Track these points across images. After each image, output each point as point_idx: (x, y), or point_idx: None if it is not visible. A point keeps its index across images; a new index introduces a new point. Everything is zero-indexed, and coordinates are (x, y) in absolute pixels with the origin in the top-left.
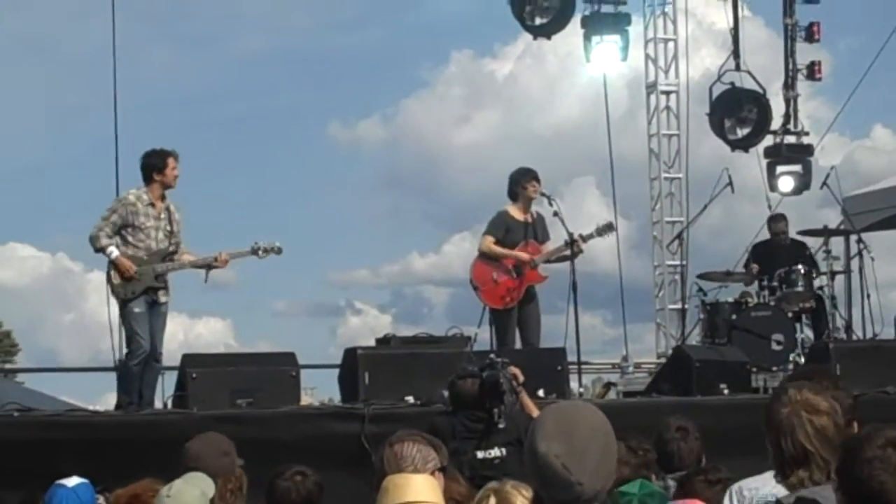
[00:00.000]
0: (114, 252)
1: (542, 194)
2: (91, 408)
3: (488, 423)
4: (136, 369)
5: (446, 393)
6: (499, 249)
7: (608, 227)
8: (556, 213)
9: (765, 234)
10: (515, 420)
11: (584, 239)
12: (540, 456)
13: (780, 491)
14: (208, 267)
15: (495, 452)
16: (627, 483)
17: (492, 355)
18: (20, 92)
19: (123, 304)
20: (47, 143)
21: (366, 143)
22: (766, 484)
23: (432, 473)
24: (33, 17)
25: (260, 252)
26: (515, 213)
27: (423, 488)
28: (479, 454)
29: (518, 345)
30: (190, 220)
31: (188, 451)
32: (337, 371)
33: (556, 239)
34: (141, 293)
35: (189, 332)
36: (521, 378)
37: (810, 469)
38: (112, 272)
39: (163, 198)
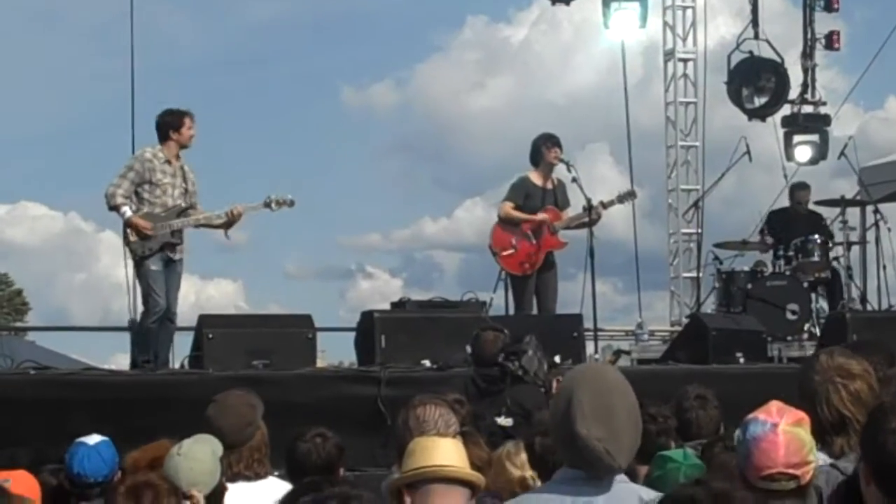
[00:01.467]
0: (127, 212)
1: (562, 160)
2: (105, 367)
3: (494, 383)
4: (152, 327)
5: (469, 348)
6: (517, 214)
7: (630, 195)
8: (574, 180)
9: (781, 202)
10: (527, 393)
11: (605, 206)
12: (581, 439)
13: (823, 457)
14: (226, 224)
15: (502, 421)
16: (657, 450)
17: (529, 337)
18: (39, 60)
19: (140, 262)
20: (64, 109)
21: (378, 107)
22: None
23: (454, 437)
24: None
25: (273, 205)
26: (536, 178)
27: (451, 452)
28: (501, 420)
29: (535, 311)
30: (203, 183)
31: (212, 425)
32: (350, 334)
33: (576, 206)
34: (158, 250)
35: (200, 293)
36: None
37: (848, 434)
38: (129, 230)
39: (178, 157)
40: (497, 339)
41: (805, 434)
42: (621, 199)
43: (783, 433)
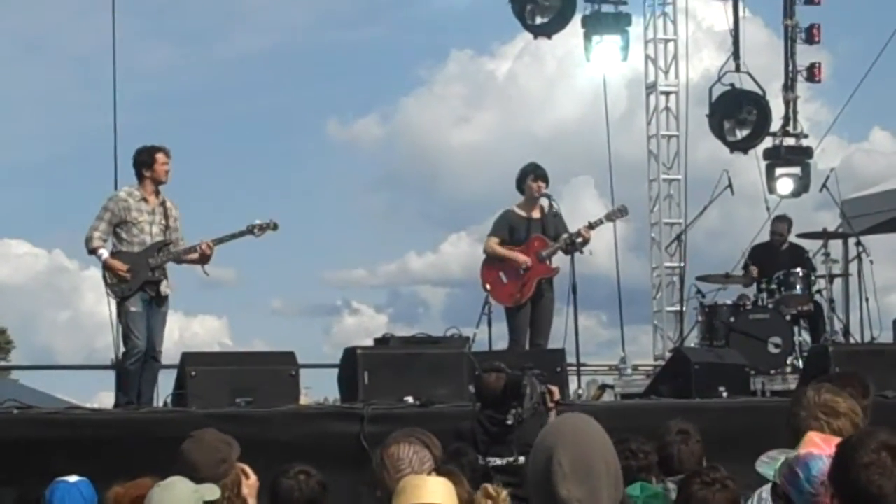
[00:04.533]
0: (104, 254)
1: (544, 195)
2: (88, 406)
3: (503, 425)
4: (132, 368)
5: (472, 388)
6: (500, 250)
7: (619, 212)
8: (556, 214)
9: (763, 236)
10: (533, 428)
11: (593, 226)
12: (561, 500)
13: None
14: (201, 260)
15: (514, 459)
16: (628, 486)
17: (528, 364)
18: (19, 90)
19: (121, 303)
20: (46, 141)
21: (363, 141)
22: None
23: (429, 475)
24: (33, 16)
25: (256, 230)
26: (519, 210)
27: (439, 490)
28: (497, 461)
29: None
30: (186, 217)
31: (185, 459)
32: (333, 371)
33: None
34: (138, 289)
35: (185, 330)
36: (557, 396)
37: None
38: (107, 272)
39: (157, 194)
40: (499, 379)
41: None
42: (610, 216)
43: None
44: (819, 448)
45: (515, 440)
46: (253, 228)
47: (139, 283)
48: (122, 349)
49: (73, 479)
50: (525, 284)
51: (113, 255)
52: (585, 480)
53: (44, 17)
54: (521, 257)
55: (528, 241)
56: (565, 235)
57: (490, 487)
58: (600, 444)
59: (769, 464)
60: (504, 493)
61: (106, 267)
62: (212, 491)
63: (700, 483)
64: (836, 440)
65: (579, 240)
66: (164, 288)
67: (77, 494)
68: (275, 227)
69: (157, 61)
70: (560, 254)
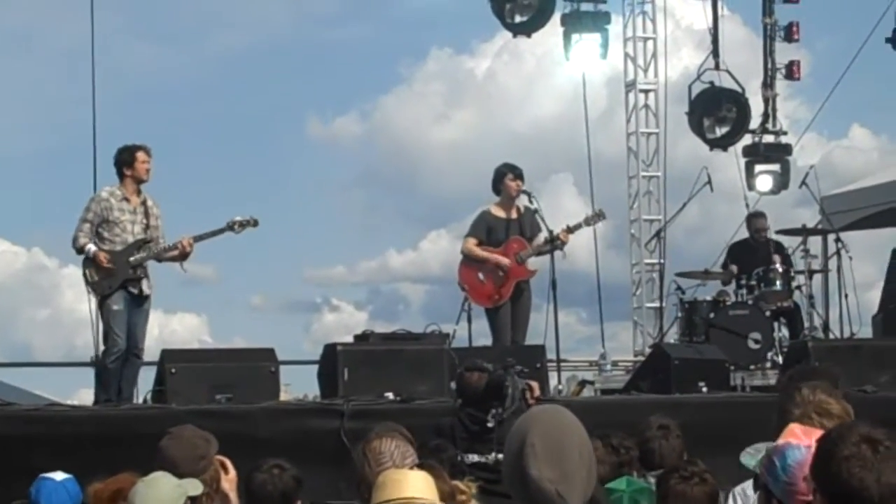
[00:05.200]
0: (91, 248)
1: (523, 192)
2: (68, 402)
3: (483, 425)
4: (112, 366)
5: (454, 385)
6: (478, 251)
7: (597, 216)
8: (535, 212)
9: (742, 234)
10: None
11: (571, 230)
12: (533, 480)
13: None
14: (181, 256)
15: (493, 457)
16: (611, 481)
17: (510, 360)
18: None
19: (102, 301)
20: (25, 139)
21: (343, 139)
22: None
23: (411, 469)
24: (11, 12)
25: (236, 227)
26: (497, 210)
27: (420, 485)
28: (475, 457)
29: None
30: (166, 215)
31: (164, 456)
32: (313, 368)
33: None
34: (119, 287)
35: (164, 327)
36: (537, 392)
37: None
38: (88, 270)
39: (138, 192)
40: (481, 378)
41: None
42: (588, 221)
43: None
44: (798, 438)
45: (495, 438)
46: (233, 225)
47: (119, 281)
48: (102, 347)
49: (59, 476)
50: (503, 286)
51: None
52: (558, 463)
53: (25, 11)
54: (502, 259)
55: (506, 242)
56: (543, 239)
57: (461, 483)
58: (574, 431)
59: (753, 455)
60: (473, 487)
61: (94, 259)
62: (195, 486)
63: (678, 477)
64: (817, 432)
65: (558, 241)
66: (145, 287)
67: (63, 493)
68: (255, 223)
69: (137, 59)
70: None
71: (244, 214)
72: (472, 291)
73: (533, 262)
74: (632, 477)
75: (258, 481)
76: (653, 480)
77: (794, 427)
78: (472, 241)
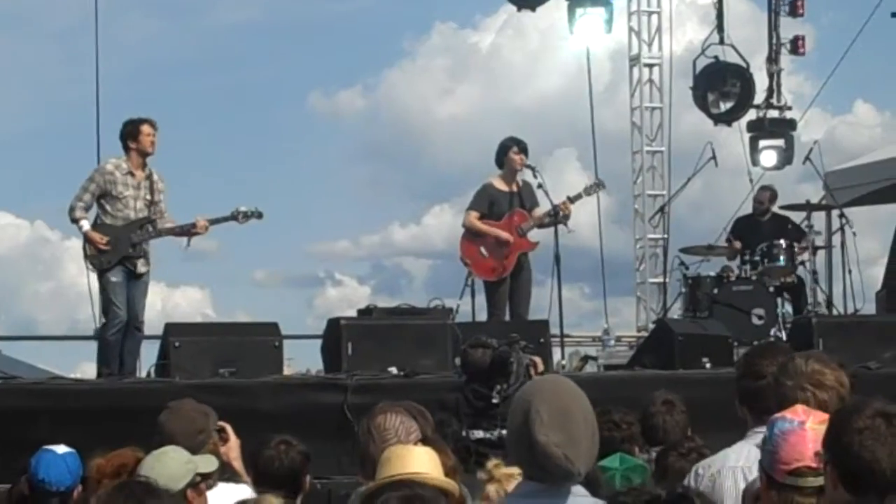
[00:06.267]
0: (85, 225)
1: (527, 166)
2: (71, 376)
3: (488, 401)
4: (113, 339)
5: (458, 361)
6: (480, 225)
7: (596, 186)
8: (540, 186)
9: (746, 209)
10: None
11: (572, 200)
12: (540, 445)
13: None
14: (188, 234)
15: (497, 432)
16: (606, 457)
17: (514, 335)
18: (1, 64)
19: (101, 274)
20: (28, 114)
21: (346, 113)
22: (723, 460)
23: (415, 444)
24: None
25: (240, 217)
26: (499, 183)
27: (424, 460)
28: (480, 433)
29: (507, 315)
30: (171, 189)
31: (163, 430)
32: (316, 342)
33: (545, 205)
34: (117, 263)
35: (167, 301)
36: (541, 367)
37: None
38: (86, 244)
39: (143, 166)
40: (485, 355)
41: None
42: (588, 191)
43: (811, 430)
44: (795, 415)
45: (500, 414)
46: (237, 215)
47: (118, 258)
48: (102, 320)
49: (61, 449)
50: (506, 258)
51: (95, 226)
52: (564, 427)
53: None
54: (504, 234)
55: (508, 215)
56: (545, 210)
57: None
58: (577, 398)
59: None
60: (504, 468)
61: (86, 238)
62: (208, 462)
63: (676, 454)
64: (820, 414)
65: (561, 214)
66: (140, 266)
67: (63, 466)
68: (259, 215)
69: (139, 34)
70: (537, 228)
71: (249, 205)
72: (475, 265)
73: (535, 235)
74: (630, 454)
75: (265, 457)
76: (640, 458)
77: (798, 406)
78: (473, 215)
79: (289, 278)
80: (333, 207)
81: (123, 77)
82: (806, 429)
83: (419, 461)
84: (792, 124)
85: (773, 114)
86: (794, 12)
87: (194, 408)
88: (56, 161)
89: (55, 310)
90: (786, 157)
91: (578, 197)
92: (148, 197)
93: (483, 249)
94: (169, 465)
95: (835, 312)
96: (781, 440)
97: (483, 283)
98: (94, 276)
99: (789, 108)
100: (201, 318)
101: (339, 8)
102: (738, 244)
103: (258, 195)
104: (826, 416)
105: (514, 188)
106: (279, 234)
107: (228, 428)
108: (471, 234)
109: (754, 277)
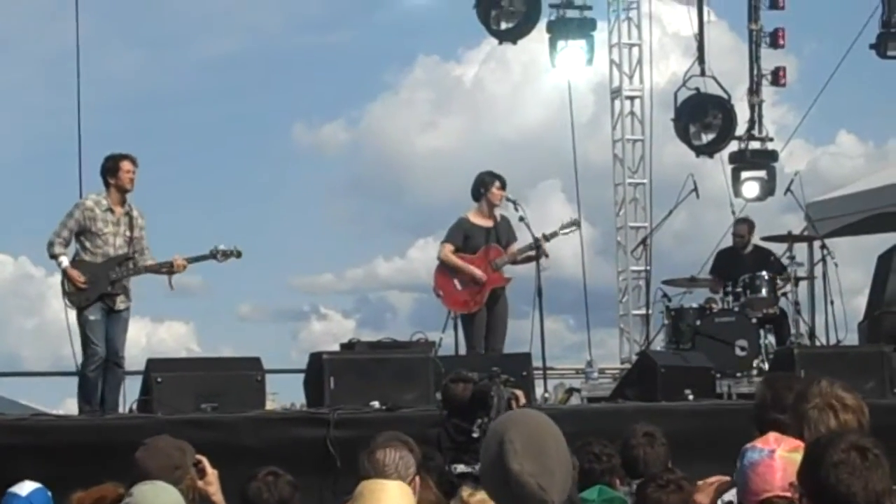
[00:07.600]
0: (64, 262)
1: (508, 199)
2: (54, 412)
3: (469, 435)
4: (93, 375)
5: (439, 396)
6: (455, 260)
7: (571, 224)
8: (521, 219)
9: (728, 241)
10: None
11: (548, 238)
12: (514, 474)
13: None
14: (168, 272)
15: (477, 466)
16: (586, 489)
17: (495, 368)
18: None
19: (79, 312)
20: (11, 146)
21: (330, 146)
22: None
23: (413, 479)
24: None
25: (219, 255)
26: (475, 217)
27: (397, 495)
28: (462, 467)
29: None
30: (152, 223)
31: (139, 467)
32: (300, 376)
33: (523, 240)
34: (95, 300)
35: (152, 336)
36: (523, 401)
37: None
38: (65, 281)
39: (123, 202)
40: (466, 389)
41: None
42: (564, 228)
43: (780, 458)
44: (766, 444)
45: (480, 448)
46: (216, 253)
47: (96, 295)
48: (81, 357)
49: (26, 489)
50: (479, 294)
51: (74, 263)
52: (537, 457)
53: (7, 18)
54: (477, 272)
55: (484, 249)
56: (523, 245)
57: (465, 496)
58: (550, 428)
59: None
60: (479, 495)
61: (65, 275)
62: None
63: (655, 486)
64: (792, 441)
65: (533, 252)
66: (119, 303)
67: None
68: (238, 254)
69: (123, 65)
70: (511, 264)
71: (229, 244)
72: (447, 298)
73: (510, 270)
74: (611, 486)
75: (254, 489)
76: (621, 490)
77: (771, 434)
78: (448, 248)
79: (274, 312)
80: (317, 241)
81: (106, 108)
82: (775, 457)
83: (391, 496)
84: (774, 155)
85: (755, 145)
86: (774, 44)
87: (170, 444)
88: (39, 195)
89: (39, 346)
90: (768, 189)
91: (554, 235)
92: (128, 233)
93: (457, 282)
94: (167, 501)
95: (817, 343)
96: (750, 471)
97: (459, 316)
98: (72, 313)
99: (771, 140)
100: (186, 353)
101: (323, 40)
102: (721, 282)
103: (242, 229)
104: (799, 444)
105: (491, 223)
106: (263, 268)
107: (205, 461)
108: (445, 267)
109: (737, 309)
